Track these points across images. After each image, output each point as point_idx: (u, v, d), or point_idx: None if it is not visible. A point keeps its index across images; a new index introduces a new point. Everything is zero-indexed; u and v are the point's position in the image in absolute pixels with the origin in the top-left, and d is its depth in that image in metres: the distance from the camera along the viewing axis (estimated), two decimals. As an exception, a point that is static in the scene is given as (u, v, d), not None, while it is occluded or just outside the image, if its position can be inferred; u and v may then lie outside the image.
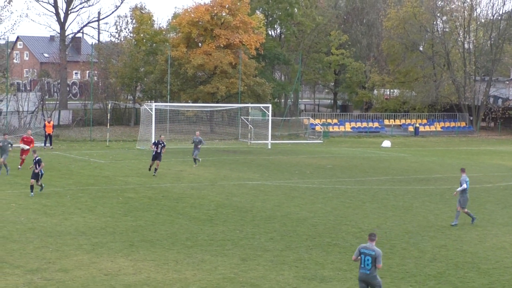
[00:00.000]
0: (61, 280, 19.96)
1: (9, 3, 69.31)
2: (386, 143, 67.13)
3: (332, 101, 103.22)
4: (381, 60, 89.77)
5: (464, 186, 28.94)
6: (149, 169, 41.65)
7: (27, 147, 41.97)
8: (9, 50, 79.82)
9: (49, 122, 56.51)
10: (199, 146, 46.28)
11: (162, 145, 41.51)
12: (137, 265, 21.70)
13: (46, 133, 55.90)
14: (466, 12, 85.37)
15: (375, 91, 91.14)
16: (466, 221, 29.55)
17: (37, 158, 33.28)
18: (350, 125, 79.78)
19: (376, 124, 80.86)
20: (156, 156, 41.24)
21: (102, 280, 20.05)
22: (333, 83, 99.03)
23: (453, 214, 30.18)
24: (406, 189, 39.08)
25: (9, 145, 40.07)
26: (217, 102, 71.02)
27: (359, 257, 17.37)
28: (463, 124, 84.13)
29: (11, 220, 27.72)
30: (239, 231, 26.82)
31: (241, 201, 33.64)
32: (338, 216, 30.54)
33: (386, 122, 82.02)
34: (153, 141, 49.19)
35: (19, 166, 41.66)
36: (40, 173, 33.23)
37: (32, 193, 32.97)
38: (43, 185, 33.79)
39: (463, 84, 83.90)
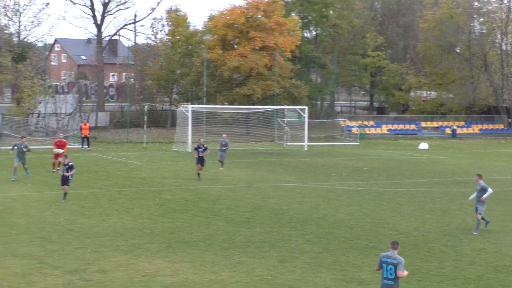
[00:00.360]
0: (100, 281, 20.10)
1: (46, 6, 70.12)
2: (423, 145, 66.76)
3: (369, 103, 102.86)
4: (418, 62, 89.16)
5: (490, 190, 28.32)
6: (198, 175, 41.06)
7: (61, 150, 41.19)
8: (47, 53, 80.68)
9: (85, 124, 56.78)
10: (225, 148, 46.01)
11: (203, 148, 41.42)
12: (174, 266, 21.78)
13: (82, 135, 56.14)
14: (503, 13, 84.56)
15: (412, 93, 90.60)
16: (506, 223, 29.23)
17: (69, 164, 32.52)
18: (386, 127, 79.38)
19: (413, 126, 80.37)
20: (200, 161, 41.17)
21: (140, 281, 20.15)
22: (369, 85, 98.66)
23: (490, 216, 29.47)
24: (444, 191, 38.79)
25: (26, 149, 38.84)
26: (253, 104, 71.08)
27: (382, 266, 16.90)
28: (501, 126, 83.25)
29: (50, 221, 27.98)
30: (276, 233, 26.80)
31: (278, 203, 33.63)
32: (375, 218, 30.40)
33: (423, 124, 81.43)
34: (189, 143, 49.14)
35: (53, 170, 41.65)
36: (69, 178, 32.44)
37: (63, 200, 32.39)
38: (66, 194, 32.71)
39: (501, 86, 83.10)
